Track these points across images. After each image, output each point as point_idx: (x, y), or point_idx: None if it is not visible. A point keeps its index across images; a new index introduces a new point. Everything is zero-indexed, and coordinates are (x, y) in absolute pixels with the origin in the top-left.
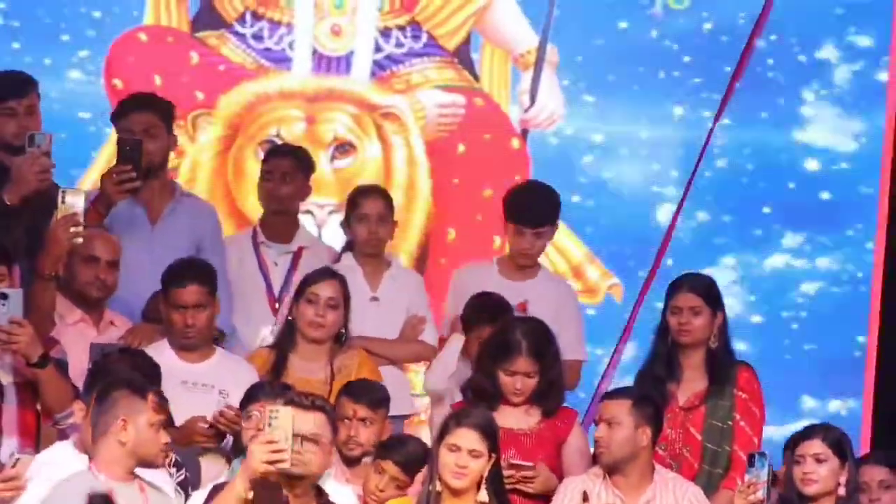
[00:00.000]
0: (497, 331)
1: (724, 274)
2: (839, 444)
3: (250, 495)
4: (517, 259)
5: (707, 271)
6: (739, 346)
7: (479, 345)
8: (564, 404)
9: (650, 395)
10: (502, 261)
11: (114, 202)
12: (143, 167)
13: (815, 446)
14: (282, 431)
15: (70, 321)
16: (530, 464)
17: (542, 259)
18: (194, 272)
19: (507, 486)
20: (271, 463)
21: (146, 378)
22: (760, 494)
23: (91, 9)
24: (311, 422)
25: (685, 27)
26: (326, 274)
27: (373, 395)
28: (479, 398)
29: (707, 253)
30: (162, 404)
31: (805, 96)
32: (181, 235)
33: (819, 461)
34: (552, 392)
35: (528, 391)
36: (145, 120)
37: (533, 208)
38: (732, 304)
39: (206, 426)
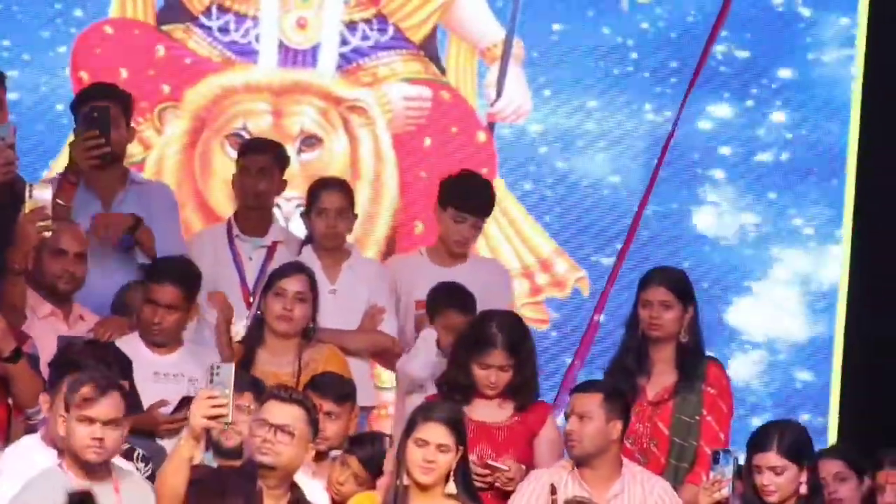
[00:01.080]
0: (472, 324)
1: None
2: (795, 449)
3: (196, 453)
4: (451, 246)
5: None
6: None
7: (455, 338)
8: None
9: (621, 388)
10: (431, 250)
11: (84, 170)
12: (111, 134)
13: (771, 459)
14: (222, 387)
15: (41, 315)
16: (505, 467)
17: (510, 254)
18: (176, 273)
19: (481, 484)
20: (211, 418)
21: (120, 371)
22: (725, 492)
23: (71, 6)
24: (287, 413)
25: (636, 24)
26: (295, 268)
27: (338, 389)
28: (453, 391)
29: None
30: (89, 398)
31: None
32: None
33: (777, 473)
34: (526, 386)
35: (502, 385)
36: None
37: (479, 198)
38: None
39: (170, 411)
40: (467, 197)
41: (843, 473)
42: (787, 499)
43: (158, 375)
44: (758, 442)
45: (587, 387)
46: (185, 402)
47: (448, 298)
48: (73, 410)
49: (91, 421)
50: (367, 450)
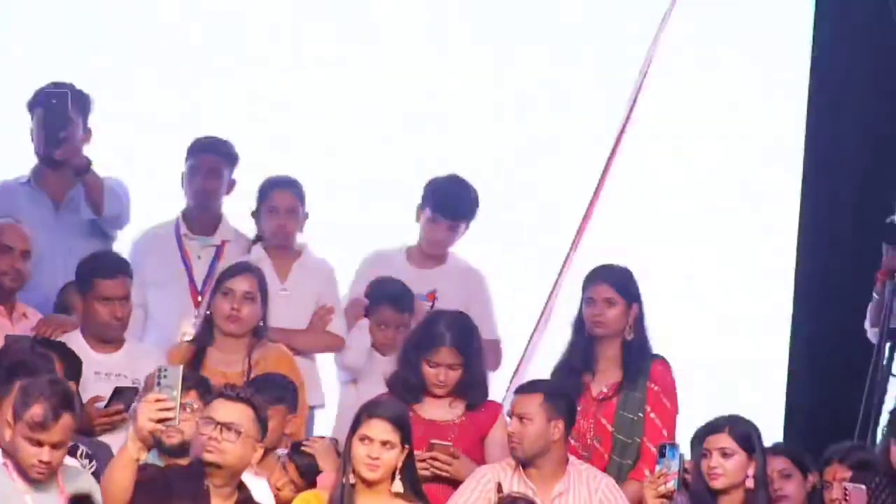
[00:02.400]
0: (421, 323)
1: None
2: (746, 437)
3: (143, 455)
4: (427, 248)
5: None
6: None
7: (404, 337)
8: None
9: (562, 388)
10: (410, 250)
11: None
12: (68, 122)
13: (722, 440)
14: (170, 390)
15: None
16: (449, 443)
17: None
18: (122, 264)
19: (427, 473)
20: (158, 421)
21: (69, 371)
22: (671, 485)
23: None
24: (234, 412)
25: (578, 25)
26: (243, 268)
27: (268, 391)
28: (403, 390)
29: None
30: (40, 422)
31: None
32: (84, 217)
33: (725, 455)
34: (476, 385)
35: (451, 383)
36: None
37: (457, 203)
38: None
39: (103, 405)
40: (445, 200)
41: (787, 470)
42: (732, 488)
43: (100, 375)
44: (710, 426)
45: (528, 387)
46: (117, 393)
47: (382, 295)
48: (22, 427)
49: (40, 444)
50: (305, 458)
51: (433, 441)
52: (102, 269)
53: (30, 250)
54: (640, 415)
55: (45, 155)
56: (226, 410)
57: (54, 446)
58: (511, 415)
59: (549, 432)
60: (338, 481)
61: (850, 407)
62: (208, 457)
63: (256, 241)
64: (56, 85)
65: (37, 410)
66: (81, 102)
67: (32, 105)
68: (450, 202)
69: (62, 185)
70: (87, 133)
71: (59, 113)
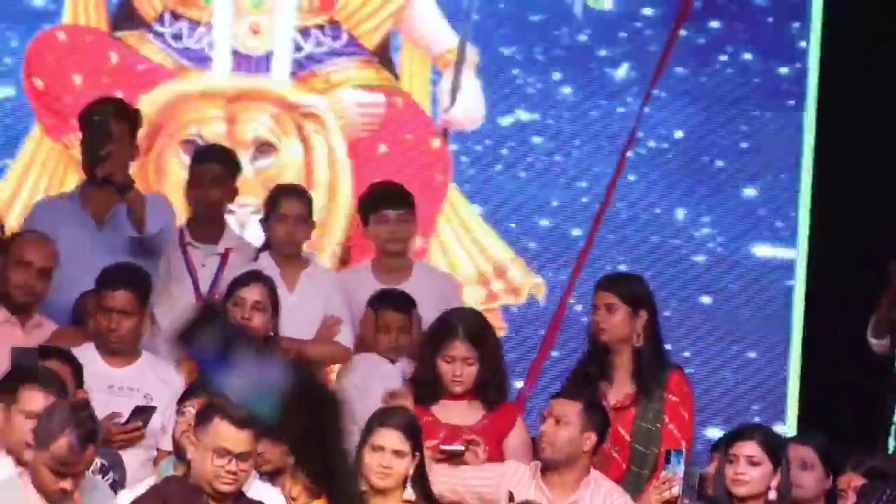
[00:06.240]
0: (435, 321)
1: None
2: (774, 448)
3: None
4: (388, 246)
5: None
6: None
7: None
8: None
9: (601, 404)
10: (376, 265)
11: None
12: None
13: (750, 448)
14: None
15: None
16: (460, 447)
17: (465, 261)
18: (128, 278)
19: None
20: None
21: (75, 378)
22: (675, 491)
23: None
24: (245, 440)
25: (588, 25)
26: (253, 277)
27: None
28: (421, 390)
29: None
30: (66, 463)
31: None
32: (126, 235)
33: (753, 463)
34: (493, 383)
35: (469, 379)
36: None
37: (392, 193)
38: None
39: (123, 422)
40: (379, 196)
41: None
42: (754, 496)
43: (113, 389)
44: (738, 433)
45: (569, 394)
46: (138, 411)
47: (382, 299)
48: (45, 456)
49: (64, 476)
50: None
51: (444, 448)
52: (107, 280)
53: (50, 267)
54: (658, 425)
55: (89, 173)
56: (238, 441)
57: (76, 476)
58: (546, 416)
59: (581, 442)
60: None
61: (864, 415)
62: (227, 488)
63: (263, 249)
64: (107, 108)
65: (62, 444)
66: (129, 119)
67: (80, 121)
68: (385, 196)
69: (105, 203)
70: (136, 149)
71: (100, 130)
